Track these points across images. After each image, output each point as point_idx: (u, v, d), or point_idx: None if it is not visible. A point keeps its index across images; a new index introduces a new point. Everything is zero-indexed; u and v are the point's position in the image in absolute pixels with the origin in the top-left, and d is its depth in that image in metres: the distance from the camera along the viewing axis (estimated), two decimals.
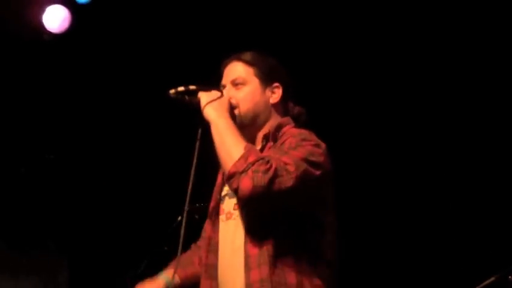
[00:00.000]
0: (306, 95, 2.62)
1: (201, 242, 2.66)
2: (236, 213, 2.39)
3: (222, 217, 2.46)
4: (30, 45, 4.53)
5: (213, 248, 2.45)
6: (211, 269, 2.43)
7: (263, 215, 2.29)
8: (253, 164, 2.19)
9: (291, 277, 2.27)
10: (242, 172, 2.19)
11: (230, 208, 2.43)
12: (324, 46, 4.61)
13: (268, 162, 2.20)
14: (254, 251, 2.29)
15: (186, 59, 4.61)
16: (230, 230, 2.40)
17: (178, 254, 2.39)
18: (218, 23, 4.59)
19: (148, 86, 4.61)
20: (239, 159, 2.22)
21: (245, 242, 2.31)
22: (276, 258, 2.27)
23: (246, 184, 2.17)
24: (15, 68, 4.62)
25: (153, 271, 2.69)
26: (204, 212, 2.78)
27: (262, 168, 2.18)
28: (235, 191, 2.22)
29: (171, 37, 4.64)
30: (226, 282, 2.37)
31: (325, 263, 2.34)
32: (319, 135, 2.41)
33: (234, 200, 2.41)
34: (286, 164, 2.21)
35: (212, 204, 2.53)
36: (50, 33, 4.47)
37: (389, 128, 4.64)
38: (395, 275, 4.58)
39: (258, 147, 2.45)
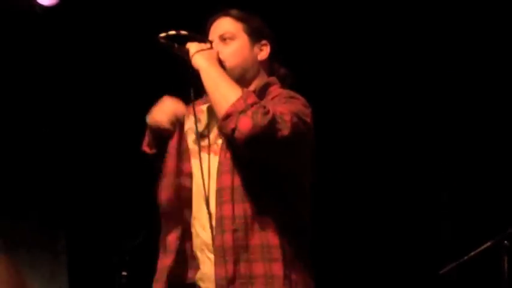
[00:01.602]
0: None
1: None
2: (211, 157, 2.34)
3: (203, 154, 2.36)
4: (21, 19, 4.50)
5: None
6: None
7: (249, 165, 2.24)
8: (252, 105, 2.15)
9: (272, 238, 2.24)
10: (241, 112, 2.14)
11: (215, 146, 2.36)
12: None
13: (265, 107, 2.16)
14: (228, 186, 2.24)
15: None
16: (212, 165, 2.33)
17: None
18: None
19: (141, 52, 4.59)
20: (238, 99, 2.17)
21: (219, 177, 2.27)
22: (254, 217, 2.23)
23: (245, 123, 2.12)
24: (7, 43, 4.58)
25: (151, 242, 2.69)
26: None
27: (261, 110, 2.14)
28: (231, 131, 2.14)
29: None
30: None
31: (303, 226, 2.33)
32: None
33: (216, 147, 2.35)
34: (281, 113, 2.17)
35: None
36: (40, 5, 4.43)
37: (383, 118, 4.65)
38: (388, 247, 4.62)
39: None
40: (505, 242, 3.33)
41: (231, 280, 2.21)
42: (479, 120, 4.44)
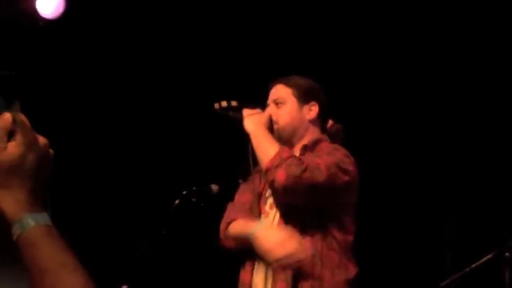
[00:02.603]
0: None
1: None
2: (272, 212, 2.73)
3: (263, 216, 2.75)
4: (26, 32, 4.53)
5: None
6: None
7: (294, 211, 2.61)
8: (287, 159, 2.54)
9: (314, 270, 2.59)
10: (277, 166, 2.52)
11: (268, 208, 2.76)
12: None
13: (300, 159, 2.54)
14: None
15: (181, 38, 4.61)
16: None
17: None
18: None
19: (146, 67, 4.63)
20: (274, 155, 2.56)
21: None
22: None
23: (280, 175, 2.50)
24: (12, 56, 4.60)
25: (150, 255, 2.72)
26: (202, 195, 2.89)
27: (296, 162, 2.52)
28: (271, 183, 2.55)
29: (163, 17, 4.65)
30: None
31: (349, 261, 2.67)
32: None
33: (271, 200, 2.74)
34: (318, 164, 2.54)
35: (251, 197, 2.82)
36: (44, 19, 4.46)
37: (389, 128, 4.68)
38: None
39: (297, 155, 2.72)
40: (506, 254, 3.32)
41: None
42: (477, 135, 4.47)
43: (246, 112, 2.78)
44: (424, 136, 4.68)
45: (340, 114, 2.90)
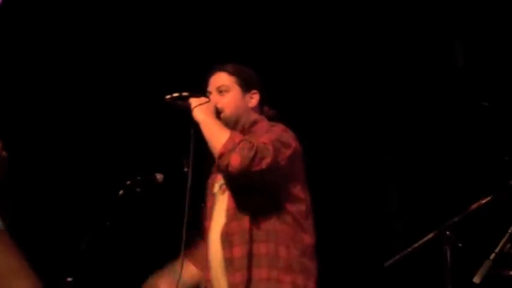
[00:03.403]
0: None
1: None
2: (222, 197, 2.83)
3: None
4: None
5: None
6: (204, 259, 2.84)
7: (245, 193, 2.71)
8: (239, 143, 2.62)
9: (271, 247, 2.68)
10: (231, 150, 2.61)
11: (218, 195, 2.87)
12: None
13: (250, 142, 2.63)
14: (235, 227, 2.71)
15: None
16: (217, 212, 2.83)
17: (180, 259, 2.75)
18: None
19: (90, 57, 4.58)
20: (227, 140, 2.65)
21: (227, 222, 2.74)
22: (255, 232, 2.68)
23: (235, 159, 2.60)
24: None
25: (95, 247, 2.71)
26: (147, 184, 2.91)
27: (247, 145, 2.61)
28: (226, 167, 2.61)
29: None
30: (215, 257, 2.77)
31: (304, 232, 2.78)
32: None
33: (221, 182, 2.85)
34: (264, 143, 2.64)
35: (209, 204, 2.92)
36: None
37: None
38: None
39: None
40: (447, 232, 3.40)
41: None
42: (414, 121, 4.56)
43: (193, 101, 2.83)
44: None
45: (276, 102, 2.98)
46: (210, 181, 3.00)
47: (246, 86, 2.95)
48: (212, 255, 2.79)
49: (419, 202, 4.54)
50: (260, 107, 3.00)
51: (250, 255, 2.65)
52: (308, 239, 2.79)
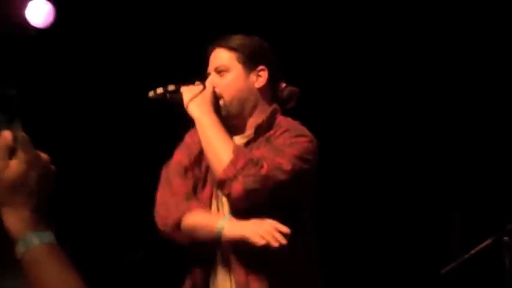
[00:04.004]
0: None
1: None
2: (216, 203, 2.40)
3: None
4: (17, 42, 4.49)
5: None
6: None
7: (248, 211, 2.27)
8: (243, 168, 2.20)
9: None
10: (233, 179, 2.19)
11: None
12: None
13: (257, 163, 2.21)
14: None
15: (171, 47, 4.60)
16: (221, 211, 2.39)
17: None
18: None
19: (136, 77, 4.59)
20: (228, 165, 2.22)
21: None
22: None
23: (237, 190, 2.20)
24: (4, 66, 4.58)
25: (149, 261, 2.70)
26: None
27: (253, 171, 2.19)
28: (227, 196, 2.25)
29: (156, 25, 4.62)
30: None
31: (310, 254, 2.39)
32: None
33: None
34: (279, 164, 2.22)
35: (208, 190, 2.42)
36: (35, 28, 4.44)
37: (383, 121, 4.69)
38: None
39: (248, 133, 2.43)
40: (505, 238, 3.35)
41: None
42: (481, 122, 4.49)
43: (185, 91, 2.38)
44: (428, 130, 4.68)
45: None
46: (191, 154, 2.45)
47: (250, 63, 2.41)
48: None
49: (476, 208, 4.47)
50: (271, 86, 2.46)
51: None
52: (310, 252, 2.41)
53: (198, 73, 2.47)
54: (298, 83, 2.57)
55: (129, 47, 4.66)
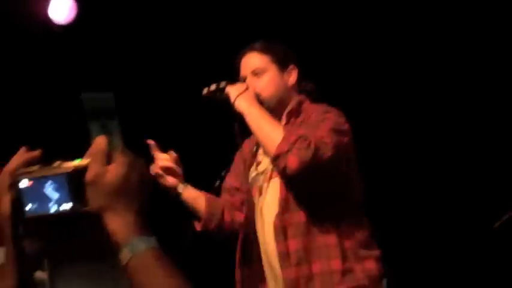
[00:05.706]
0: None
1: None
2: (268, 185, 2.59)
3: (255, 198, 2.63)
4: (39, 38, 4.50)
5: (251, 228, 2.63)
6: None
7: (301, 183, 2.46)
8: (294, 143, 2.37)
9: (330, 239, 2.47)
10: (288, 151, 2.37)
11: (261, 185, 2.61)
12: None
13: (306, 139, 2.38)
14: (289, 218, 2.49)
15: (187, 43, 4.61)
16: (267, 202, 2.58)
17: None
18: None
19: (157, 72, 4.61)
20: (281, 141, 2.40)
21: (280, 213, 2.50)
22: (312, 225, 2.47)
23: (293, 161, 2.36)
24: (27, 62, 4.62)
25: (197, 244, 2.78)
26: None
27: (304, 145, 2.36)
28: (283, 169, 2.39)
29: (173, 21, 4.63)
30: (267, 250, 2.54)
31: (358, 223, 2.54)
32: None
33: (262, 177, 2.61)
34: (322, 137, 2.40)
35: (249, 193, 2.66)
36: (57, 25, 4.50)
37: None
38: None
39: (283, 123, 2.62)
40: None
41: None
42: None
43: (231, 90, 2.57)
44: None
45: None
46: (244, 160, 2.74)
47: (282, 63, 2.65)
48: (264, 249, 2.55)
49: None
50: (298, 83, 2.70)
51: (306, 248, 2.44)
52: (362, 229, 2.53)
53: (224, 78, 2.64)
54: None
55: (153, 44, 4.67)
